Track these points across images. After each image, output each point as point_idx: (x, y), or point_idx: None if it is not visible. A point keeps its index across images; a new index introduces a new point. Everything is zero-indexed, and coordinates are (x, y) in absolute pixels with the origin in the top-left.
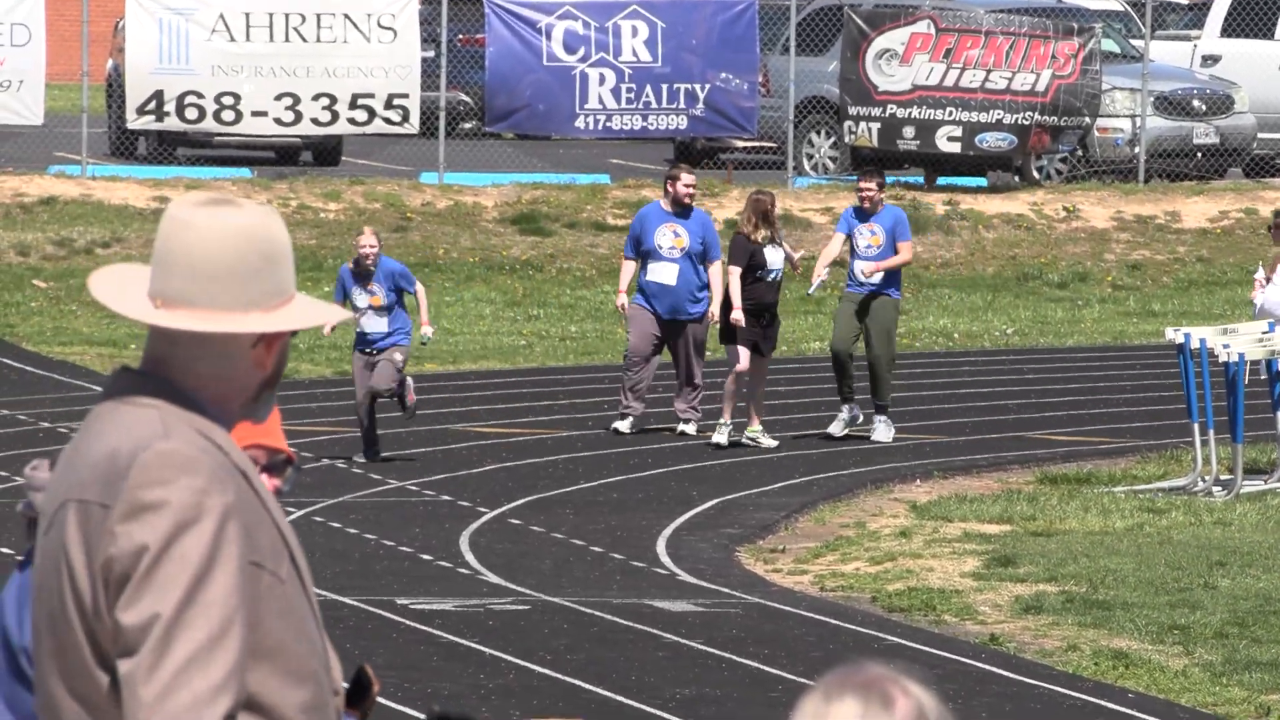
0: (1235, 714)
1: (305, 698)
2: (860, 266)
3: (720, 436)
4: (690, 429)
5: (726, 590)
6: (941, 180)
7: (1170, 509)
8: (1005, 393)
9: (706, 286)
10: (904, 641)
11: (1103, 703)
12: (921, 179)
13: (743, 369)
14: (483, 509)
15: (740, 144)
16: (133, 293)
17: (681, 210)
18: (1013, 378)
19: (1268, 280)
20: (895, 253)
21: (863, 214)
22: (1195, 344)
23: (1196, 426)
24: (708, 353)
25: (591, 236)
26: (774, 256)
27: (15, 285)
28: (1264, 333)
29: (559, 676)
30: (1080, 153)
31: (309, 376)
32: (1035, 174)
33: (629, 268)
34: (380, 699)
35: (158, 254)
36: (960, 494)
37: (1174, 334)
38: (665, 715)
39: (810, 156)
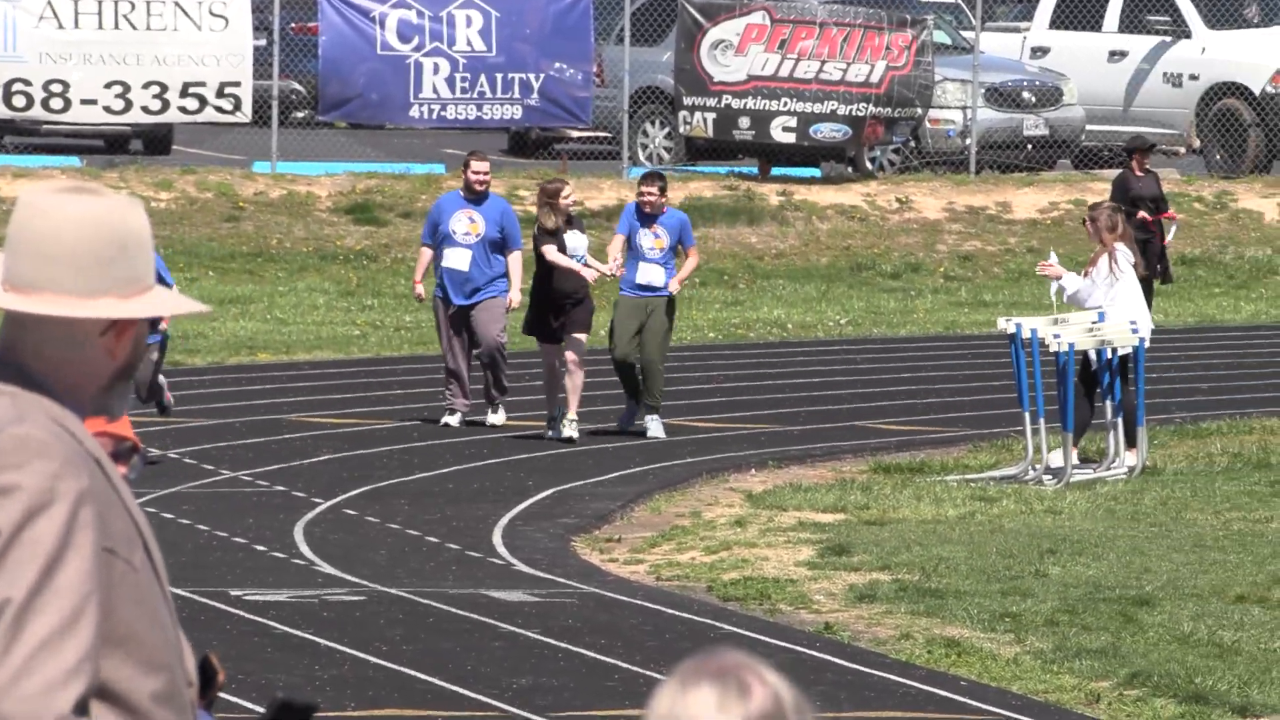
0: (1066, 701)
1: (158, 686)
2: (650, 275)
3: (569, 430)
4: (498, 419)
5: (563, 580)
6: (776, 171)
7: (1002, 497)
8: (839, 382)
9: (505, 275)
10: (739, 630)
11: (936, 690)
12: (756, 169)
13: (555, 360)
14: (317, 499)
15: (575, 134)
16: None
17: (477, 197)
18: (846, 368)
19: (1085, 274)
20: (678, 255)
21: (646, 217)
22: (1026, 334)
23: (1027, 415)
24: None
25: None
26: (574, 241)
27: None
28: (1093, 323)
29: (395, 667)
30: (912, 144)
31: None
32: (868, 165)
33: (425, 255)
34: (232, 697)
35: (9, 239)
36: (795, 483)
37: (1005, 324)
38: (502, 705)
39: (645, 147)
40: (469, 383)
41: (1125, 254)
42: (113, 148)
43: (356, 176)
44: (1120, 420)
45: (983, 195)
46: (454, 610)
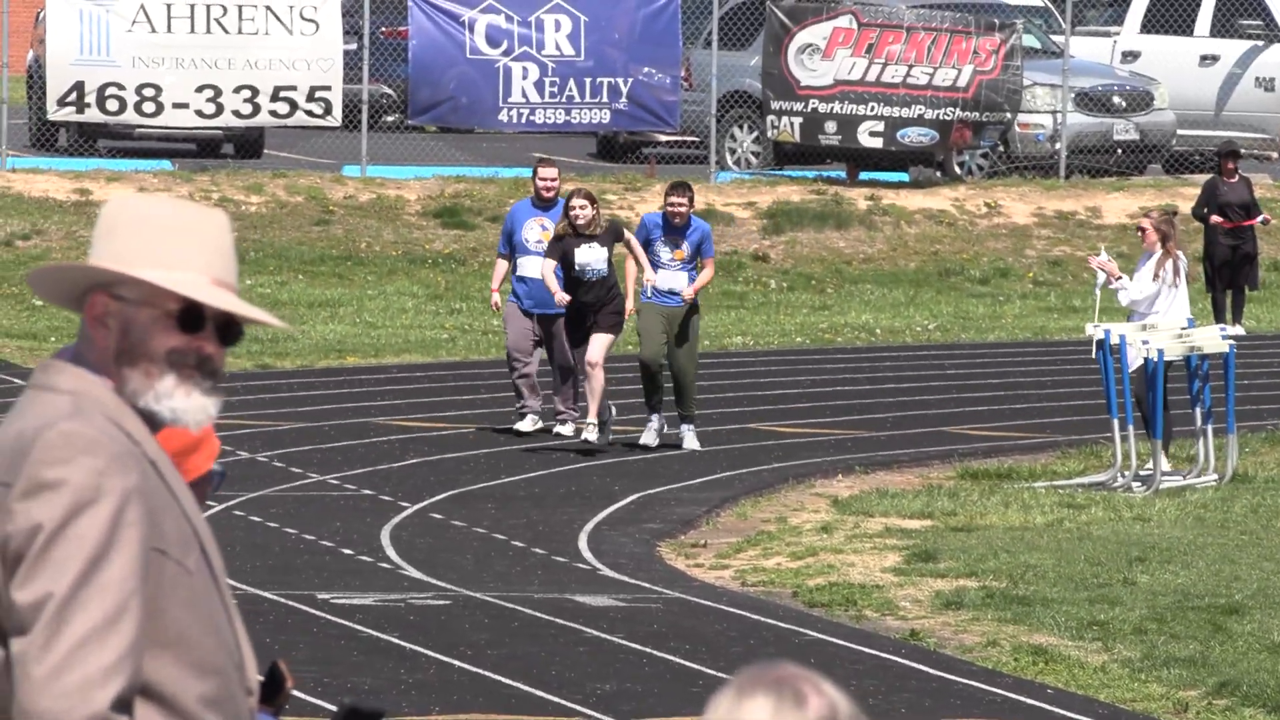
0: (1154, 710)
1: (208, 690)
2: (671, 281)
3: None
4: (567, 430)
5: (648, 585)
6: (864, 175)
7: (1090, 504)
8: (927, 388)
9: None
10: (824, 637)
11: (1022, 698)
12: (844, 174)
13: (577, 362)
14: (404, 503)
15: (663, 138)
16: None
17: (546, 204)
18: (934, 373)
19: (1155, 277)
20: (697, 268)
21: (671, 227)
22: (1115, 340)
23: (1116, 422)
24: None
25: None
26: (585, 256)
27: None
28: (1183, 329)
29: (479, 671)
30: (1001, 148)
31: (230, 369)
32: (957, 169)
33: (501, 265)
34: (300, 694)
35: (97, 232)
36: (882, 489)
37: (1094, 330)
38: (586, 710)
39: (733, 151)
40: (539, 387)
41: (1184, 261)
42: (204, 151)
43: (445, 180)
44: (1209, 428)
45: (1072, 200)
46: (539, 615)
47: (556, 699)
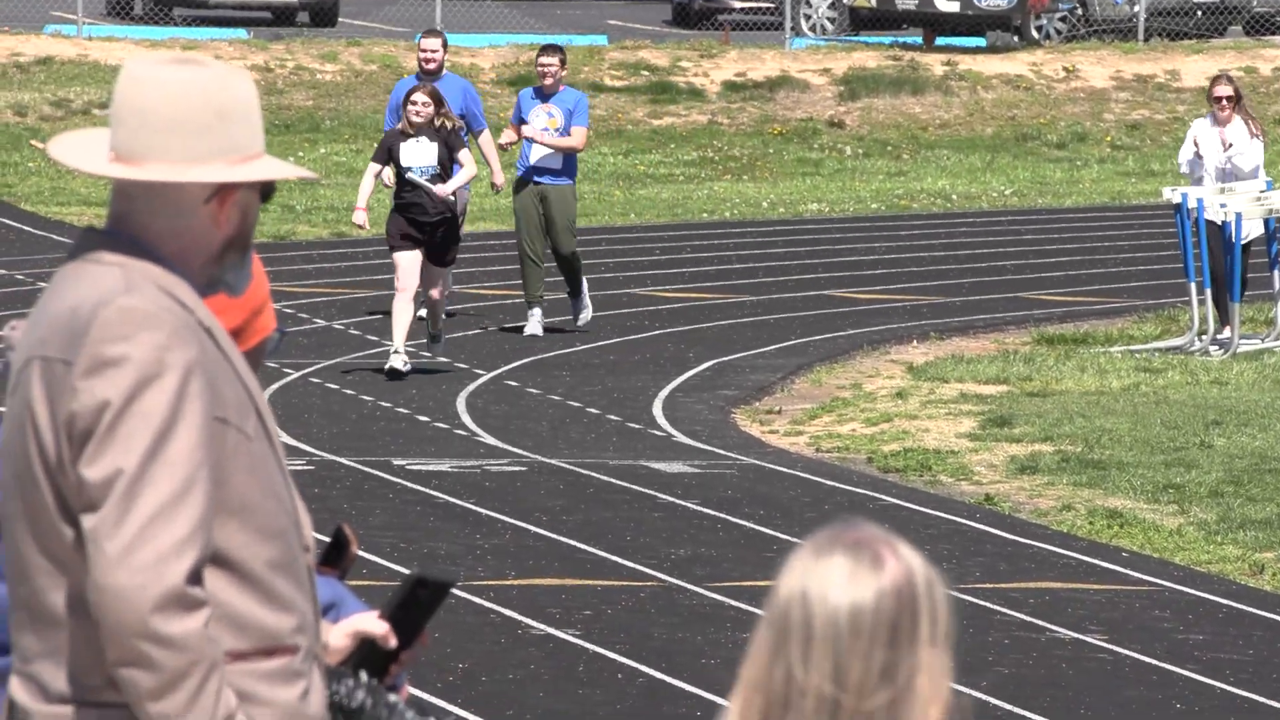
0: (1229, 572)
1: (274, 554)
2: (541, 156)
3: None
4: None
5: (722, 451)
6: (940, 40)
7: (1167, 368)
8: (1003, 254)
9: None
10: (899, 502)
11: (1097, 562)
12: (920, 39)
13: (400, 286)
14: (480, 370)
15: (738, 4)
16: (91, 150)
17: (430, 77)
18: (1010, 238)
19: (1227, 145)
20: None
21: (542, 93)
22: (1193, 203)
23: (1193, 286)
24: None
25: (590, 98)
26: (410, 154)
27: (13, 145)
28: (1261, 192)
29: (555, 537)
30: (1080, 12)
31: (306, 238)
32: (1034, 33)
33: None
34: (376, 558)
35: (114, 110)
36: (957, 355)
37: (1171, 194)
38: (660, 575)
39: (808, 17)
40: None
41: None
42: (279, 20)
43: (520, 48)
44: None
45: (1151, 63)
46: (614, 481)
47: (631, 564)
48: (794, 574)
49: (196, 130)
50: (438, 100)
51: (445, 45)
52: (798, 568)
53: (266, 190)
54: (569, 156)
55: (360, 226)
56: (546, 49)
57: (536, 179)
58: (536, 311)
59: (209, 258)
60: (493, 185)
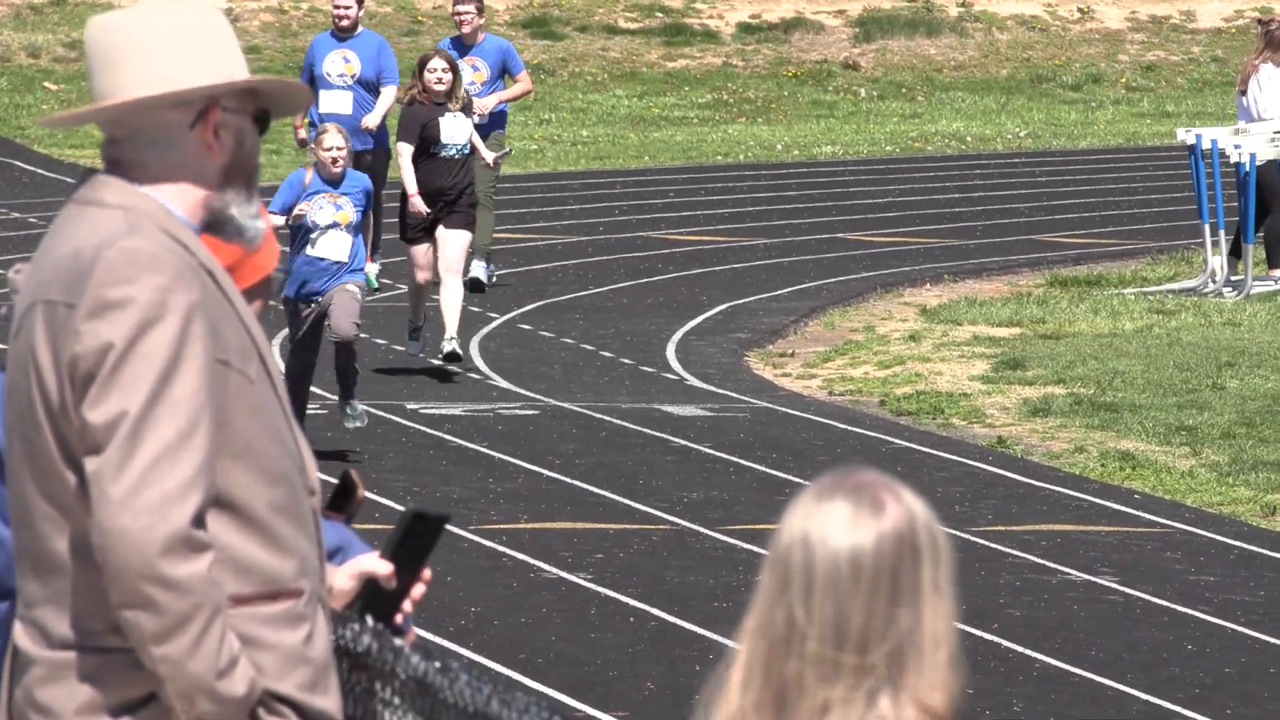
0: (1241, 513)
1: (277, 496)
2: (481, 110)
3: (450, 346)
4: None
5: (735, 395)
6: None
7: (1180, 310)
8: (1017, 195)
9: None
10: (912, 445)
11: (1109, 504)
12: None
13: (419, 276)
14: (492, 314)
15: None
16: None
17: (344, 34)
18: (1025, 180)
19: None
20: (504, 87)
21: (462, 45)
22: (1206, 145)
23: (1207, 227)
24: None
25: (604, 40)
26: (450, 129)
27: (26, 87)
28: (1276, 132)
29: (568, 480)
30: None
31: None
32: None
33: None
34: (389, 501)
35: (86, 63)
36: (970, 297)
37: (1185, 135)
38: (673, 519)
39: None
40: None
41: None
42: None
43: None
44: None
45: (1166, 4)
46: (627, 424)
47: (644, 507)
48: (795, 518)
49: (160, 57)
50: (455, 69)
51: (360, 1)
52: (799, 512)
53: (262, 119)
54: (499, 110)
55: (423, 213)
56: None
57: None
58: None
59: (210, 188)
60: (364, 124)
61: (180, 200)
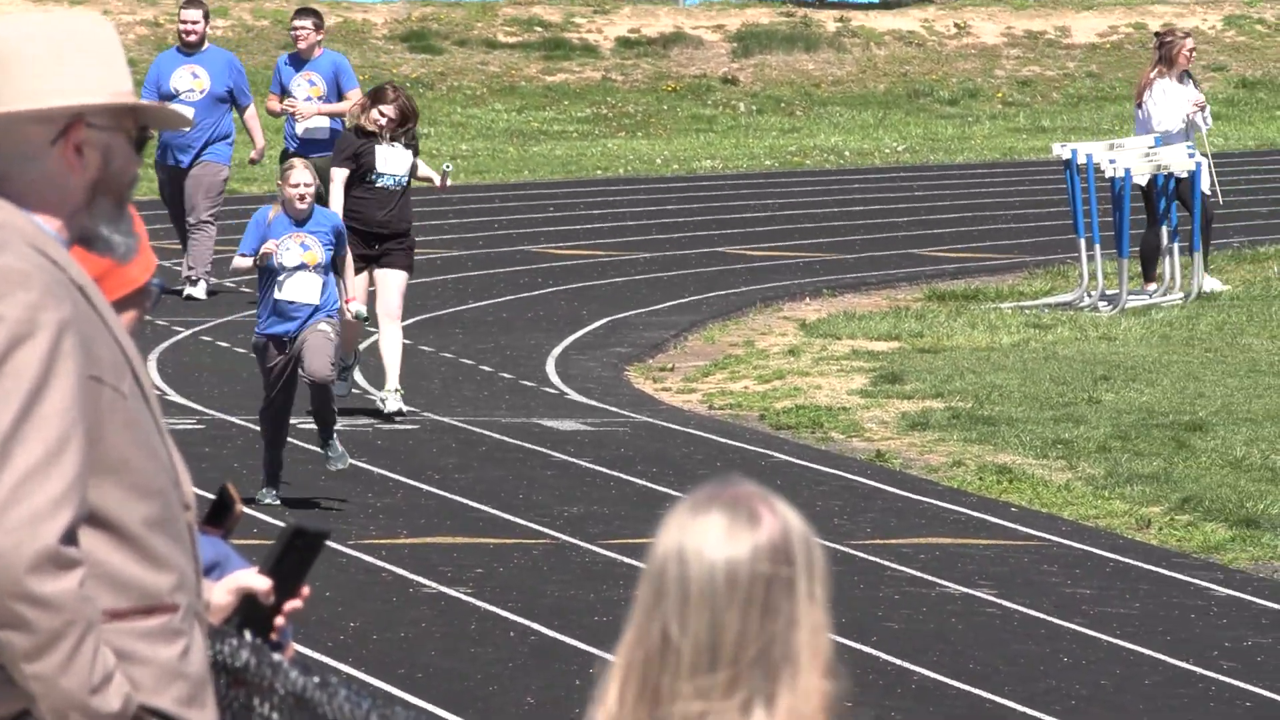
0: (1117, 526)
1: (151, 512)
2: (307, 127)
3: (394, 403)
4: (196, 291)
5: (615, 409)
6: None
7: (1056, 324)
8: (895, 210)
9: (226, 138)
10: (791, 459)
11: (987, 517)
12: None
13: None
14: (371, 329)
15: None
16: None
17: (191, 50)
18: (902, 195)
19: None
20: (341, 100)
21: (299, 60)
22: (1082, 160)
23: (1083, 242)
24: None
25: (483, 54)
26: (386, 160)
27: None
28: (1150, 148)
29: (447, 495)
30: None
31: None
32: None
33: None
34: (267, 518)
35: (25, 62)
36: (849, 311)
37: (1061, 149)
38: (553, 533)
39: None
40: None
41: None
42: None
43: (412, 4)
44: (1175, 246)
45: (1041, 19)
46: (507, 439)
47: (524, 522)
48: (671, 531)
49: (29, 70)
50: (411, 113)
51: (207, 17)
52: (675, 525)
53: (141, 137)
54: (334, 128)
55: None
56: (300, 12)
57: (305, 154)
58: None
59: (75, 206)
60: (251, 159)
61: (47, 216)
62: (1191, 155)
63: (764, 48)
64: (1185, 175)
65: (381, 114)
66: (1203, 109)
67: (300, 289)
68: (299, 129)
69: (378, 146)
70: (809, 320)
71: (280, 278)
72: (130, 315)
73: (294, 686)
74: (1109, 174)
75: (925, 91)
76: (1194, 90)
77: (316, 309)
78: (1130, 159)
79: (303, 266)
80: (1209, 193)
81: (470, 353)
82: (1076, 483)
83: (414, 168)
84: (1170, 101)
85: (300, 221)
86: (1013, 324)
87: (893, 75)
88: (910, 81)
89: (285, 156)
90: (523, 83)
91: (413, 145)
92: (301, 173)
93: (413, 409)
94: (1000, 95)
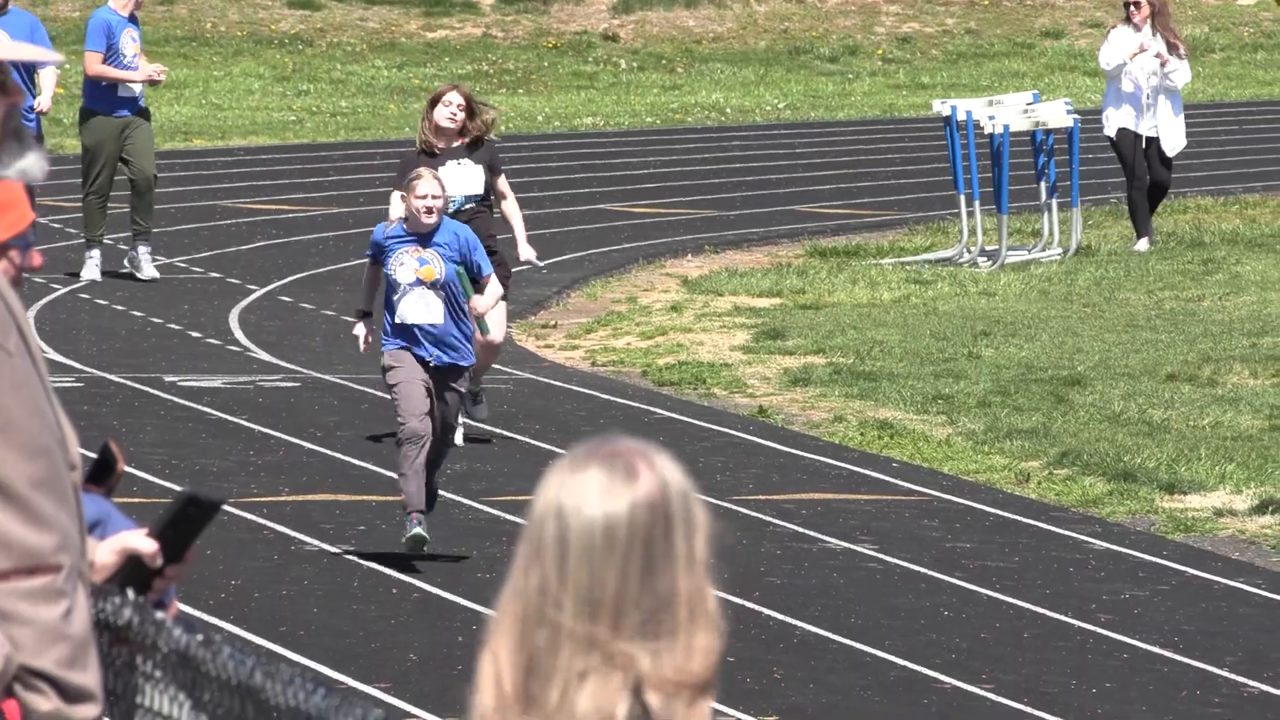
0: (996, 481)
1: (37, 471)
2: (130, 90)
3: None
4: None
5: (497, 366)
6: None
7: (936, 280)
8: (776, 167)
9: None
10: (674, 415)
11: (868, 472)
12: None
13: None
14: (252, 286)
15: None
16: None
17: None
18: (783, 152)
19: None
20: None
21: (130, 20)
22: (961, 116)
23: (962, 198)
24: None
25: (362, 10)
26: (453, 177)
27: None
28: (1028, 104)
29: (329, 453)
30: None
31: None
32: None
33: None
34: (148, 475)
35: None
36: (731, 268)
37: (940, 106)
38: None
39: None
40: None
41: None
42: None
43: None
44: (1054, 202)
45: None
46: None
47: None
48: (550, 488)
49: None
50: (471, 106)
51: None
52: (554, 481)
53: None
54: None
55: None
56: None
57: (123, 112)
58: (96, 253)
59: None
60: (38, 110)
61: None
62: (1070, 112)
63: (645, 4)
64: (1154, 135)
65: (447, 107)
66: (1164, 64)
67: (417, 309)
68: (123, 89)
69: (443, 166)
70: (691, 277)
71: (395, 297)
72: (3, 264)
73: (177, 645)
74: (988, 130)
75: (806, 48)
76: (1156, 42)
77: (446, 331)
78: (1009, 115)
79: (418, 283)
80: (1170, 155)
81: (352, 310)
82: (957, 438)
83: (489, 186)
84: (1112, 46)
85: (423, 234)
86: (893, 280)
87: (773, 32)
88: (791, 38)
89: (88, 115)
90: (403, 39)
91: (486, 160)
92: (430, 183)
93: (294, 367)
94: (880, 52)
